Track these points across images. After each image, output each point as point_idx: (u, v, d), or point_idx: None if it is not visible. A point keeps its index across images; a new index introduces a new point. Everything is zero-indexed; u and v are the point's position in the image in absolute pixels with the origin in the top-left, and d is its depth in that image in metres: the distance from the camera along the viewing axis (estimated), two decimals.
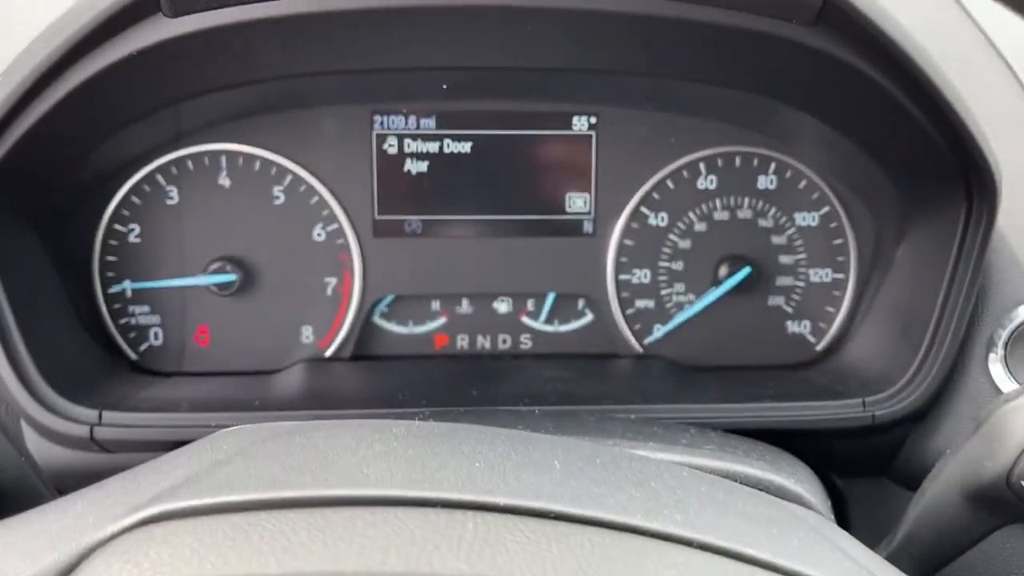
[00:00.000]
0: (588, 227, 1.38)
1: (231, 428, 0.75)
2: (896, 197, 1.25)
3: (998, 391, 1.16)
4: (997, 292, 1.18)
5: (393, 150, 1.33)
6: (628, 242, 1.38)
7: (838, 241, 1.38)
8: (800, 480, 0.86)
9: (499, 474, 0.64)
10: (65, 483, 1.17)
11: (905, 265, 1.25)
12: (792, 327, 1.40)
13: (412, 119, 1.33)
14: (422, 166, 1.34)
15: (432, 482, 0.61)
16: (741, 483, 0.81)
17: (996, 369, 1.16)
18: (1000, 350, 1.16)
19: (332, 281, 1.35)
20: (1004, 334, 1.16)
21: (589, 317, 1.41)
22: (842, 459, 1.24)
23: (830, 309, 1.40)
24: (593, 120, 1.35)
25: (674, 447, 0.86)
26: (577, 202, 1.37)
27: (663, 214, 1.37)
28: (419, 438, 0.70)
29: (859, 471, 1.29)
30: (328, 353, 1.36)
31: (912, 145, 1.09)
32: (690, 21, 0.94)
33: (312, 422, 0.73)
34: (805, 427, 1.15)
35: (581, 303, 1.41)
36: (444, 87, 1.26)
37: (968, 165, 1.06)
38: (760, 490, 0.81)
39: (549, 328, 1.42)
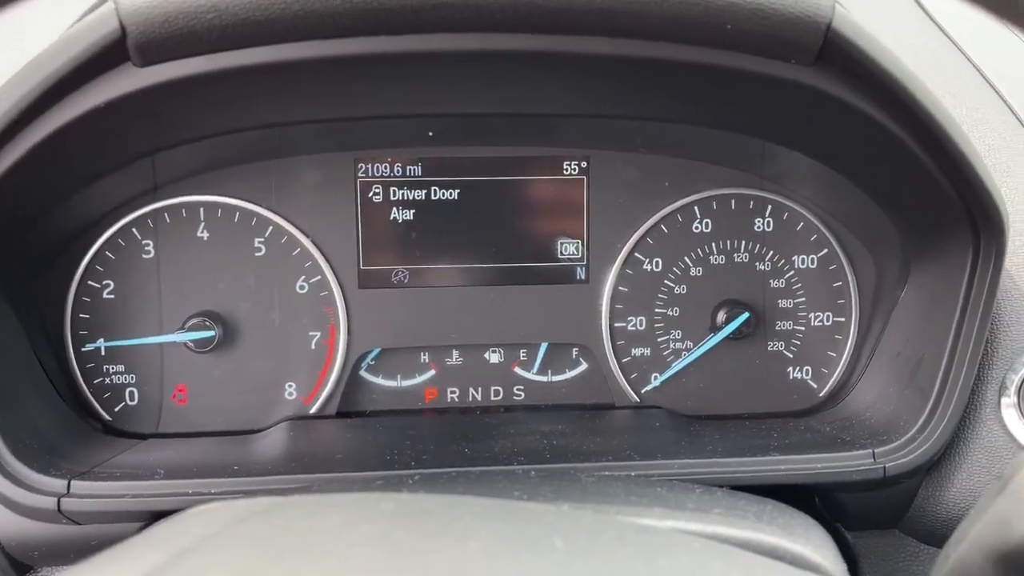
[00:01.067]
0: (581, 274, 1.33)
1: (204, 506, 0.69)
2: (898, 239, 1.21)
3: (1012, 438, 1.11)
4: (1007, 335, 1.14)
5: (378, 198, 1.29)
6: (622, 288, 1.33)
7: (838, 284, 1.35)
8: (815, 545, 0.80)
9: (496, 556, 0.59)
10: (33, 557, 1.10)
11: (910, 309, 1.21)
12: (793, 373, 1.36)
13: (397, 166, 1.29)
14: (408, 214, 1.30)
15: (424, 568, 0.56)
16: (755, 552, 0.75)
17: (1009, 415, 1.12)
18: (1013, 395, 1.12)
19: (316, 335, 1.30)
20: (1016, 379, 1.12)
21: (584, 367, 1.36)
22: (851, 512, 1.18)
23: (832, 354, 1.35)
24: (584, 164, 1.31)
25: (681, 512, 0.81)
26: (569, 248, 1.33)
27: (658, 259, 1.33)
28: (408, 515, 0.64)
29: (869, 524, 1.23)
30: (312, 410, 1.30)
31: (916, 187, 1.05)
32: (686, 64, 0.91)
33: (293, 497, 0.68)
34: (814, 481, 1.09)
35: (575, 352, 1.36)
36: (430, 134, 1.22)
37: (974, 207, 1.03)
38: (775, 559, 0.76)
39: (542, 379, 1.37)
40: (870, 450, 1.10)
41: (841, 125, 0.99)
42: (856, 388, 1.29)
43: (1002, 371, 1.13)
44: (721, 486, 1.05)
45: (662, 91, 1.04)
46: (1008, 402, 1.12)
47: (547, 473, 0.99)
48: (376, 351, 1.33)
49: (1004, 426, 1.11)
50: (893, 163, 1.02)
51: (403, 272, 1.30)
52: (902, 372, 1.19)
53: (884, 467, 1.08)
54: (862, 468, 1.08)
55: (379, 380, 1.34)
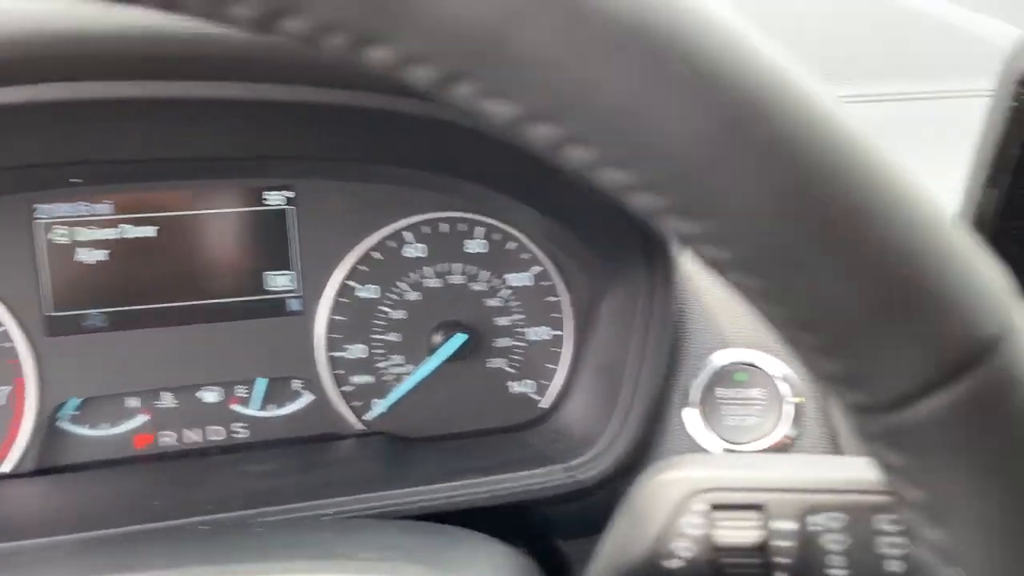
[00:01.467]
0: (294, 305, 1.31)
1: None
2: (594, 257, 1.26)
3: (695, 444, 1.18)
4: (691, 344, 1.20)
5: (64, 240, 1.22)
6: (338, 317, 1.32)
7: (554, 299, 1.38)
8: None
9: None
10: None
11: (606, 323, 1.26)
12: (515, 387, 1.39)
13: (83, 205, 1.22)
14: (100, 255, 1.23)
15: None
16: None
17: (692, 421, 1.18)
18: (695, 403, 1.19)
19: (4, 389, 1.21)
20: (697, 384, 1.19)
21: (306, 399, 1.34)
22: (559, 522, 1.23)
23: (551, 367, 1.39)
24: (290, 194, 1.29)
25: (327, 562, 0.80)
26: (279, 280, 1.30)
27: (373, 286, 1.33)
28: None
29: (580, 531, 1.27)
30: (5, 470, 1.21)
31: (582, 207, 1.10)
32: (331, 105, 0.90)
33: None
34: (512, 499, 1.12)
35: (297, 384, 1.34)
36: (77, 181, 1.16)
37: (642, 229, 1.08)
38: None
39: (265, 414, 1.33)
40: (563, 464, 1.14)
41: (495, 155, 1.01)
42: (568, 401, 1.34)
43: (687, 379, 1.20)
44: (422, 515, 1.07)
45: (331, 133, 1.03)
46: (690, 409, 1.19)
47: (219, 525, 0.96)
48: (77, 400, 1.26)
49: (687, 433, 1.18)
50: (555, 188, 1.06)
51: (98, 316, 1.24)
52: (601, 385, 1.25)
53: (576, 480, 1.13)
54: (554, 484, 1.12)
55: (85, 431, 1.27)
